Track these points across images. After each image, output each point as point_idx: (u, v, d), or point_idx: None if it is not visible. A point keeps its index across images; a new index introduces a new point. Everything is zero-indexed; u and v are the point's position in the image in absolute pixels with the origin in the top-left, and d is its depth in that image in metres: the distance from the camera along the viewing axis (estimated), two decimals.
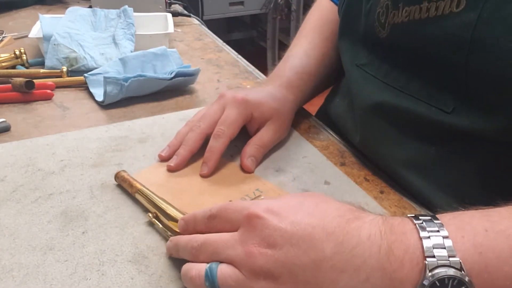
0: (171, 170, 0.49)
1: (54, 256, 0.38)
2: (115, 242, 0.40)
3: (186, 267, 0.34)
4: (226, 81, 0.75)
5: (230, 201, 0.38)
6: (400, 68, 0.47)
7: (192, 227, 0.37)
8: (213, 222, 0.35)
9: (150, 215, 0.42)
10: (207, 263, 0.33)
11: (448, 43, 0.39)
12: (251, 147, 0.52)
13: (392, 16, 0.45)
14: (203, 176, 0.49)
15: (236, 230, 0.33)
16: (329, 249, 0.29)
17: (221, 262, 0.32)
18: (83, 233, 0.41)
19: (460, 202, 0.43)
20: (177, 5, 1.20)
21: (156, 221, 0.41)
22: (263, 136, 0.53)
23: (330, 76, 0.65)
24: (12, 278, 0.36)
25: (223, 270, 0.31)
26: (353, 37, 0.56)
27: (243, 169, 0.51)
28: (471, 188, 0.43)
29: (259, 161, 0.52)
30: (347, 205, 0.32)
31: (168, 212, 0.41)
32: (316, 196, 0.34)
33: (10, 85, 0.65)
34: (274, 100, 0.55)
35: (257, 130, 0.54)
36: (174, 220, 0.40)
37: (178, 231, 0.38)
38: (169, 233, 0.39)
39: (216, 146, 0.49)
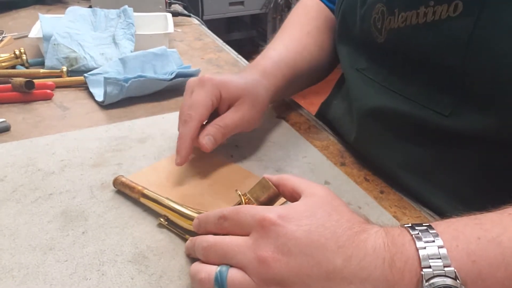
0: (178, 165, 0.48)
1: (54, 256, 0.38)
2: (115, 242, 0.40)
3: (196, 268, 0.34)
4: None
5: (239, 203, 0.38)
6: (399, 72, 0.47)
7: (203, 227, 0.37)
8: (223, 224, 0.35)
9: (162, 219, 0.41)
10: (217, 265, 0.32)
11: (446, 47, 0.40)
12: (211, 126, 0.48)
13: (388, 21, 0.46)
14: (178, 165, 0.47)
15: (246, 234, 0.33)
16: (340, 262, 0.29)
17: (231, 266, 0.32)
18: (83, 233, 0.41)
19: (459, 201, 0.43)
20: (177, 5, 1.20)
21: (169, 225, 0.41)
22: (227, 116, 0.49)
23: (312, 72, 0.63)
24: (12, 278, 0.36)
25: (233, 276, 0.31)
26: (352, 42, 0.56)
27: (200, 147, 0.48)
28: (469, 187, 0.43)
29: (218, 143, 0.48)
30: (356, 216, 0.33)
31: (183, 212, 0.41)
32: (328, 203, 0.33)
33: (10, 85, 0.65)
34: (244, 80, 0.51)
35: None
36: (190, 219, 0.39)
37: (193, 230, 0.38)
38: (182, 232, 0.40)
39: (186, 132, 0.46)
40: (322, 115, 0.66)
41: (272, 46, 0.61)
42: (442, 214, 0.44)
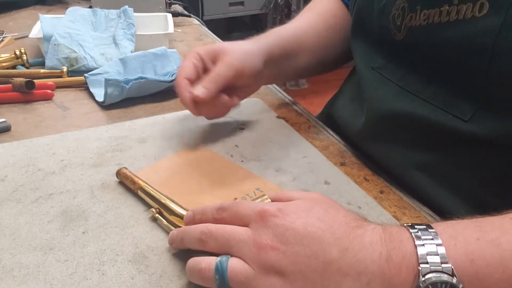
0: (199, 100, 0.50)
1: (55, 256, 0.38)
2: (115, 242, 0.40)
3: (194, 259, 0.34)
4: None
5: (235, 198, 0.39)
6: (417, 72, 0.46)
7: (198, 218, 0.37)
8: (222, 214, 0.35)
9: (154, 210, 0.42)
10: (216, 255, 0.33)
11: (469, 48, 0.38)
12: (201, 79, 0.51)
13: (409, 18, 0.44)
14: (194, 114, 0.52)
15: (245, 225, 0.33)
16: (336, 253, 0.30)
17: (231, 255, 0.33)
18: (84, 233, 0.41)
19: (473, 206, 0.42)
20: (177, 5, 1.20)
21: (160, 217, 0.42)
22: (215, 67, 0.51)
23: (321, 51, 0.63)
24: (12, 278, 0.36)
25: (234, 265, 0.32)
26: (367, 38, 0.54)
27: (197, 100, 0.50)
28: (486, 193, 0.42)
29: (213, 92, 0.50)
30: (352, 214, 0.33)
31: (172, 207, 0.41)
32: (324, 202, 0.34)
33: (10, 85, 0.65)
34: (226, 43, 0.55)
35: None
36: (179, 215, 0.40)
37: (182, 226, 0.39)
38: (172, 227, 0.40)
39: (180, 88, 0.50)
40: (327, 115, 0.65)
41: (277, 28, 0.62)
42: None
